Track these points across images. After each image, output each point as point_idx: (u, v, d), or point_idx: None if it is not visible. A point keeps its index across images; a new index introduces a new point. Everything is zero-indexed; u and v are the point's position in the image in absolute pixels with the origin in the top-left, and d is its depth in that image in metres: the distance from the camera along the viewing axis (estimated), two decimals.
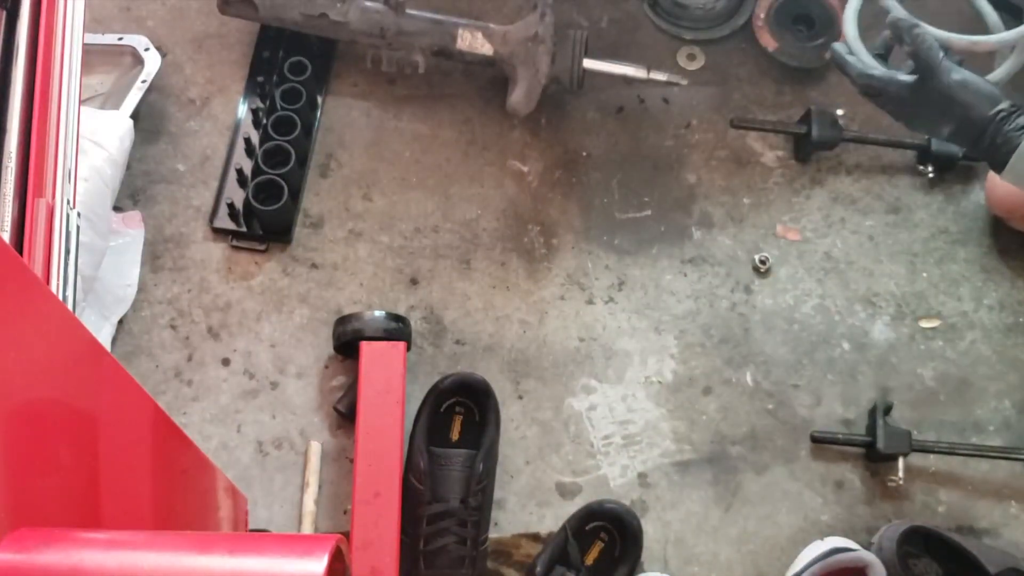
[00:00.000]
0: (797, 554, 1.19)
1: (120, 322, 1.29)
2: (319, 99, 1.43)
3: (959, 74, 1.01)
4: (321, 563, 0.52)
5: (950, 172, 1.41)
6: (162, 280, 1.33)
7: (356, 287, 1.34)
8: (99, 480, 0.68)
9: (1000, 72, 1.21)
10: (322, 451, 1.25)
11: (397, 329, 1.25)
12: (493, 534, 1.22)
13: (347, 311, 1.30)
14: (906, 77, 1.05)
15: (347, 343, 1.25)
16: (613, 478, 1.25)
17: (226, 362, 1.29)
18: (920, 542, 1.18)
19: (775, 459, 1.26)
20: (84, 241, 1.05)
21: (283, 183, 1.32)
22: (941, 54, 1.02)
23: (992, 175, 1.34)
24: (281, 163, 1.34)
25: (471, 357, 1.30)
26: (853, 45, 1.19)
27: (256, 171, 1.34)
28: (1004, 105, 0.98)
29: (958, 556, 1.15)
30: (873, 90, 1.07)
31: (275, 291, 1.33)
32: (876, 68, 1.07)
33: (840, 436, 1.25)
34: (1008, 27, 1.26)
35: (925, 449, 1.23)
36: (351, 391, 1.25)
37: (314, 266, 1.35)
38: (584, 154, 1.43)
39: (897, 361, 1.31)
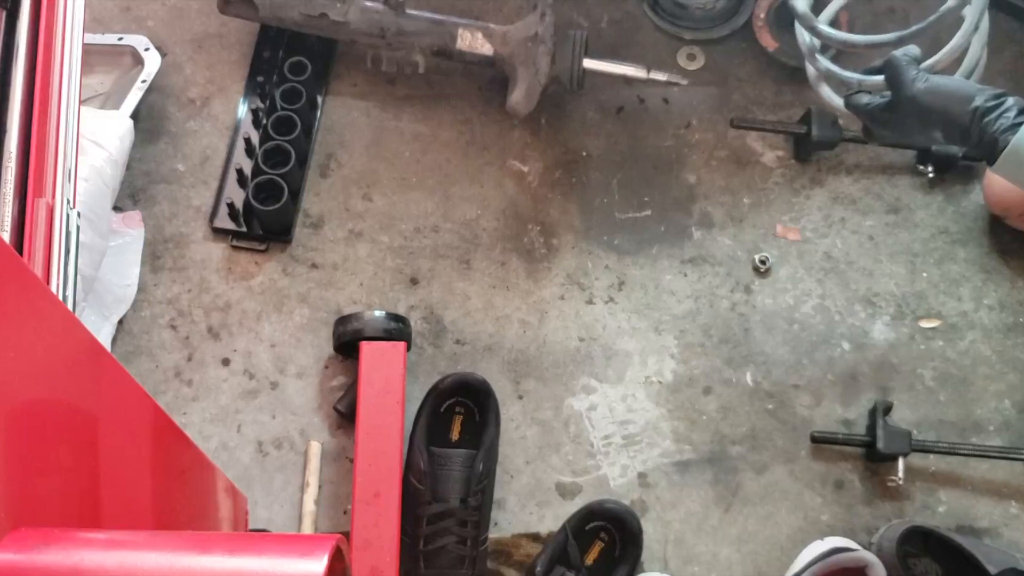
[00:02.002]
0: (797, 554, 1.19)
1: (120, 322, 1.29)
2: (319, 99, 1.43)
3: (926, 81, 1.00)
4: (321, 563, 0.52)
5: (950, 172, 1.41)
6: (162, 280, 1.33)
7: (356, 287, 1.34)
8: (99, 480, 0.68)
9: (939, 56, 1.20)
10: (322, 451, 1.25)
11: (397, 329, 1.25)
12: (493, 534, 1.22)
13: (347, 311, 1.30)
14: (881, 98, 1.05)
15: (347, 343, 1.25)
16: (613, 478, 1.25)
17: (226, 362, 1.29)
18: (920, 542, 1.18)
19: (775, 459, 1.26)
20: (84, 241, 1.05)
21: (283, 183, 1.32)
22: (908, 67, 1.02)
23: (989, 173, 1.34)
24: (281, 163, 1.35)
25: (471, 357, 1.30)
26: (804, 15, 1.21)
27: (256, 171, 1.34)
28: (979, 101, 0.97)
29: (958, 556, 1.15)
30: (863, 117, 1.07)
31: (275, 291, 1.33)
32: (864, 96, 1.07)
33: (840, 436, 1.25)
34: (1009, 28, 1.26)
35: (925, 449, 1.23)
36: (351, 391, 1.25)
37: (314, 266, 1.35)
38: (584, 154, 1.43)
39: (897, 361, 1.31)
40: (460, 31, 1.37)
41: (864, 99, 1.07)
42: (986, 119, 0.96)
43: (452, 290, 1.34)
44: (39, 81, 0.89)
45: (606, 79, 1.42)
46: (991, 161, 0.97)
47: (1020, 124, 0.94)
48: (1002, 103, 0.96)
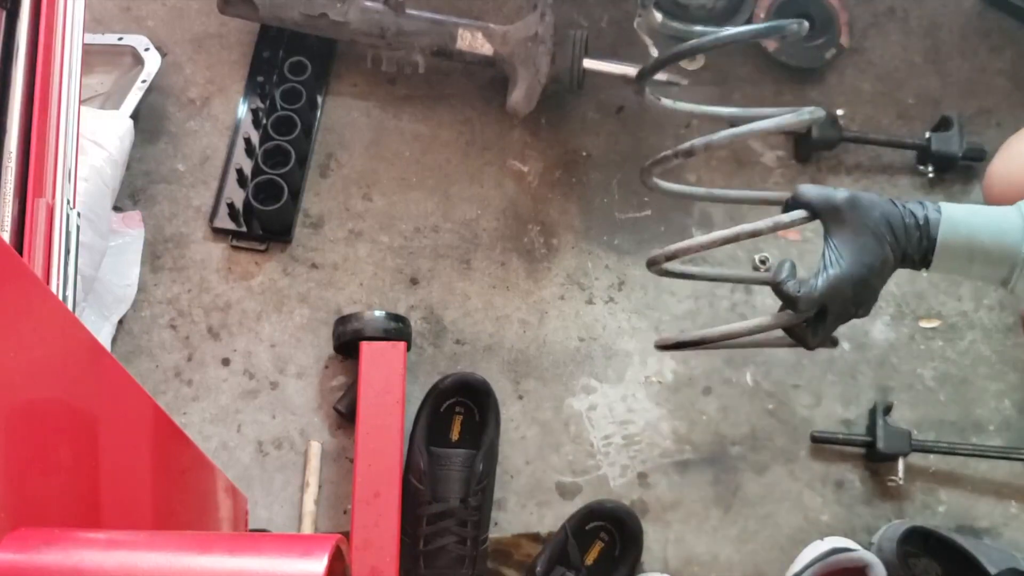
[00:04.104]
0: (797, 554, 1.19)
1: (120, 322, 1.29)
2: (319, 99, 1.43)
3: (816, 287, 0.86)
4: (321, 563, 0.52)
5: (950, 172, 1.41)
6: (162, 280, 1.33)
7: (356, 287, 1.34)
8: (99, 480, 0.68)
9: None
10: (322, 451, 1.25)
11: (397, 329, 1.25)
12: (493, 534, 1.22)
13: (347, 311, 1.30)
14: (786, 316, 0.89)
15: (347, 343, 1.25)
16: (613, 478, 1.25)
17: (226, 362, 1.29)
18: (920, 542, 1.18)
19: (775, 459, 1.26)
20: (84, 241, 1.05)
21: (283, 183, 1.32)
22: (784, 275, 0.87)
23: (989, 172, 1.34)
24: (281, 163, 1.35)
25: (471, 357, 1.30)
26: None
27: (256, 171, 1.34)
28: (878, 258, 0.87)
29: (958, 556, 1.15)
30: (794, 338, 0.92)
31: (275, 291, 1.33)
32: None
33: (840, 436, 1.25)
34: (1009, 28, 1.25)
35: (925, 449, 1.23)
36: (351, 391, 1.25)
37: (314, 266, 1.35)
38: (584, 154, 1.43)
39: (897, 361, 1.31)
40: (460, 31, 1.37)
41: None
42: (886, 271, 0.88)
43: (452, 290, 1.34)
44: (39, 81, 0.89)
45: (606, 79, 1.42)
46: (928, 265, 0.91)
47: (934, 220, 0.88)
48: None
